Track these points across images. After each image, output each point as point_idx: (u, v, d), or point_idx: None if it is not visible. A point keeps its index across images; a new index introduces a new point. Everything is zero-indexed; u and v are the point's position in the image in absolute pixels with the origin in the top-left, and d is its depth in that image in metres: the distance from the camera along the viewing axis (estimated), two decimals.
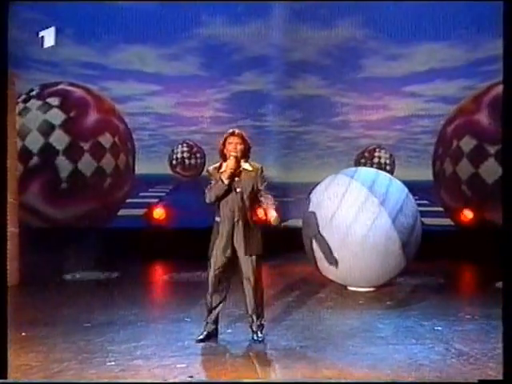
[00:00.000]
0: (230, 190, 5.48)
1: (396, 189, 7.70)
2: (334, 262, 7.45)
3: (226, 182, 5.44)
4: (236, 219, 5.50)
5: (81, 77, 11.58)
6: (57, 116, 11.51)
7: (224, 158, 5.56)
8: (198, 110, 11.66)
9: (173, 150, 11.83)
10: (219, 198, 5.50)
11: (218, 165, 5.58)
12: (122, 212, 11.61)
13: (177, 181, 11.85)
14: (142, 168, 11.70)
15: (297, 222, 10.46)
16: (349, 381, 4.72)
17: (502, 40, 4.65)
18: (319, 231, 7.46)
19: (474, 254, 9.44)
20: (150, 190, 11.87)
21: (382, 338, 5.74)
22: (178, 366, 4.91)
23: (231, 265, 5.59)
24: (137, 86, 11.62)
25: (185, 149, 11.80)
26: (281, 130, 11.68)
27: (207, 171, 5.66)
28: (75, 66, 11.51)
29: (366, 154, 11.75)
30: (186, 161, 11.82)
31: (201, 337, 5.59)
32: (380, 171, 8.47)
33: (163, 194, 11.78)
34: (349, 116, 11.75)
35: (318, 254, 7.60)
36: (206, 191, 5.55)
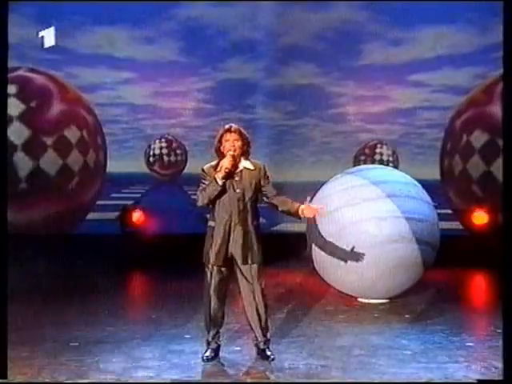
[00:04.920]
0: (224, 191, 5.45)
1: (420, 201, 7.73)
2: (344, 271, 7.47)
3: (221, 182, 5.40)
4: (233, 223, 5.47)
5: (42, 62, 11.46)
6: (14, 106, 11.31)
7: (222, 156, 5.49)
8: (177, 101, 11.63)
9: (149, 146, 11.78)
10: (212, 201, 5.48)
11: (214, 163, 5.52)
12: (91, 216, 11.50)
13: (154, 180, 11.79)
14: (114, 166, 11.61)
15: (291, 227, 10.51)
16: (354, 380, 4.86)
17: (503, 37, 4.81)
18: (329, 238, 7.43)
19: (488, 261, 9.50)
20: (124, 190, 11.80)
21: (411, 356, 5.75)
22: None
23: (229, 275, 5.58)
24: (107, 72, 11.56)
25: (163, 144, 11.76)
26: (271, 123, 11.69)
27: (202, 170, 5.59)
28: (35, 50, 11.32)
29: (367, 151, 11.81)
30: (165, 158, 11.78)
31: (206, 355, 5.56)
32: (407, 176, 8.29)
33: (138, 195, 11.70)
34: (346, 108, 11.82)
35: (326, 262, 7.58)
36: (198, 192, 5.50)
